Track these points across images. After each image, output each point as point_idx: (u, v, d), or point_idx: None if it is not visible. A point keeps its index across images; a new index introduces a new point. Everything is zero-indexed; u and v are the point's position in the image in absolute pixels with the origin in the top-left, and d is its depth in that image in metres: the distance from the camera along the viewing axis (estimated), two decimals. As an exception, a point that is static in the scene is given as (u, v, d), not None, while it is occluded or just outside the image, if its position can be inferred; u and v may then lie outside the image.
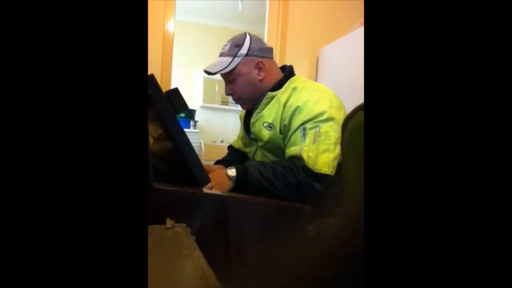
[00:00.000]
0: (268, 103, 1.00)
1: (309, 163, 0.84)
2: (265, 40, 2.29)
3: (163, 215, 0.41)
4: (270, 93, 1.00)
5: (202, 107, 4.23)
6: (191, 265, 0.30)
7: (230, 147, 1.26)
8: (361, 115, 0.31)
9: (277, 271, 0.24)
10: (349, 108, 0.33)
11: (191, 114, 3.85)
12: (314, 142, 0.85)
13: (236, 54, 0.99)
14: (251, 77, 1.00)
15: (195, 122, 3.92)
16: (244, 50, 0.99)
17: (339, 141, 0.86)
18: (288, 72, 1.05)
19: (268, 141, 0.98)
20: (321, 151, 0.85)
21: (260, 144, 1.03)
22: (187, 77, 4.17)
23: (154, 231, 0.38)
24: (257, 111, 1.02)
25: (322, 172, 0.83)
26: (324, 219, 0.63)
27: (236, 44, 1.00)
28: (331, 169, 0.85)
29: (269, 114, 0.98)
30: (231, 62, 0.98)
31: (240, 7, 3.55)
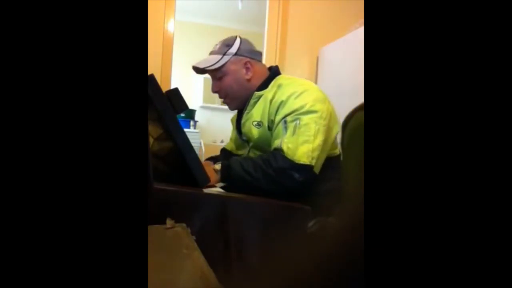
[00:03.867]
0: (255, 102, 1.02)
1: (289, 153, 0.87)
2: (265, 40, 2.29)
3: (163, 215, 0.41)
4: (257, 93, 1.02)
5: (202, 107, 4.23)
6: (191, 265, 0.30)
7: (223, 150, 1.28)
8: (361, 115, 0.31)
9: (277, 271, 0.24)
10: (349, 108, 0.33)
11: (191, 114, 3.85)
12: (293, 134, 0.88)
13: (226, 52, 1.02)
14: (239, 76, 1.03)
15: (195, 122, 3.92)
16: (233, 49, 1.02)
17: (320, 132, 0.89)
18: (273, 72, 1.08)
19: (258, 139, 1.00)
20: (300, 142, 0.87)
21: (251, 144, 1.05)
22: (187, 77, 4.17)
23: (154, 231, 0.38)
24: (246, 111, 1.04)
25: (301, 162, 0.86)
26: (323, 218, 0.63)
27: (227, 43, 1.03)
28: (310, 159, 0.87)
29: (257, 113, 1.00)
30: (220, 59, 1.02)
31: (240, 7, 3.55)
